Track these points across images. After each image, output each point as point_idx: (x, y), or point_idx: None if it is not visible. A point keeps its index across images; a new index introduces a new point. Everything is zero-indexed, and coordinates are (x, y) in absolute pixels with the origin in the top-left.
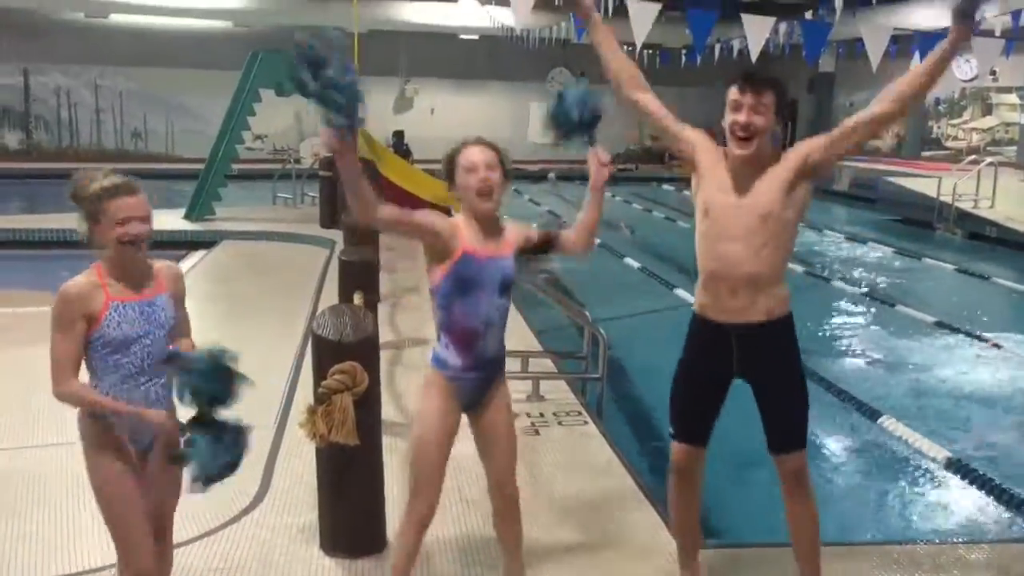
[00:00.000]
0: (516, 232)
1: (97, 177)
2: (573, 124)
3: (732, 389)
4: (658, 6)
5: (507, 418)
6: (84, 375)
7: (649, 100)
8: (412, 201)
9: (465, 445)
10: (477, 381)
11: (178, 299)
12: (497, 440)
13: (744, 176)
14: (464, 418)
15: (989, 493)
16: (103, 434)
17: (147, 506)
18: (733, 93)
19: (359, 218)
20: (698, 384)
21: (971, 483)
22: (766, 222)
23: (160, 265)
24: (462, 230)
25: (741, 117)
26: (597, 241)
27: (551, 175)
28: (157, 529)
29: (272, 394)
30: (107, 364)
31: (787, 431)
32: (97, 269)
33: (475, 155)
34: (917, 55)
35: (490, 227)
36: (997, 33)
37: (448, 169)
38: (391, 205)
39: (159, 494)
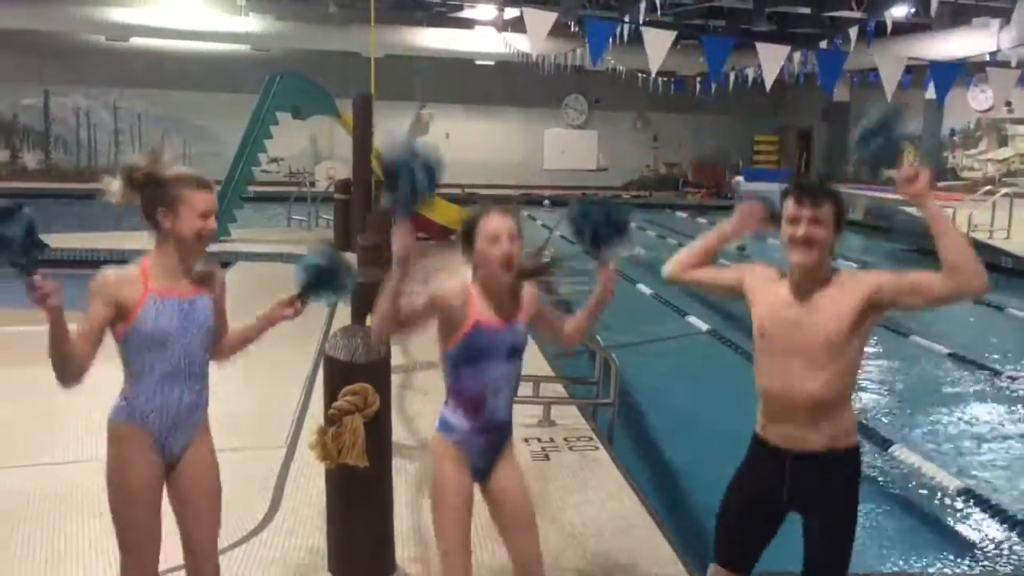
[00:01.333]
0: (531, 300)
1: (160, 162)
2: (594, 238)
3: None
4: (673, 34)
5: (520, 484)
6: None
7: (696, 274)
8: (426, 225)
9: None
10: (484, 445)
11: (219, 301)
12: (512, 510)
13: (804, 292)
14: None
15: (1003, 523)
16: (130, 433)
17: (180, 519)
18: (790, 206)
19: (377, 334)
20: (748, 508)
21: (984, 514)
22: (830, 346)
23: (206, 267)
24: (474, 298)
25: (800, 231)
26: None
27: (545, 201)
28: (193, 552)
29: (283, 415)
30: (143, 364)
31: (826, 570)
32: (142, 264)
33: (498, 224)
34: (932, 86)
35: (505, 294)
36: (1013, 64)
37: (467, 234)
38: (396, 319)
39: (193, 507)
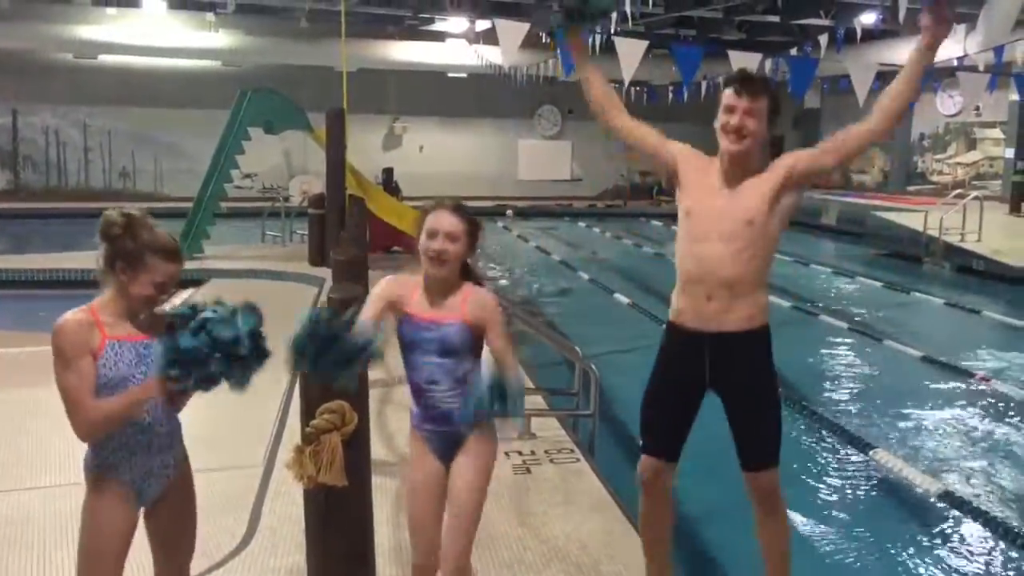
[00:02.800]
0: (476, 305)
1: (140, 223)
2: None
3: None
4: (645, 43)
5: (465, 479)
6: None
7: (630, 124)
8: (399, 237)
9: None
10: (436, 434)
11: None
12: (451, 501)
13: (730, 180)
14: None
15: (984, 525)
16: (107, 486)
17: (157, 566)
18: (728, 96)
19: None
20: (670, 395)
21: (965, 515)
22: (749, 227)
23: (153, 313)
24: (416, 291)
25: (734, 119)
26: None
27: (508, 212)
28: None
29: (260, 434)
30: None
31: (760, 448)
32: (91, 309)
33: (441, 221)
34: None
35: (441, 290)
36: (980, 68)
37: (419, 223)
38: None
39: (170, 552)
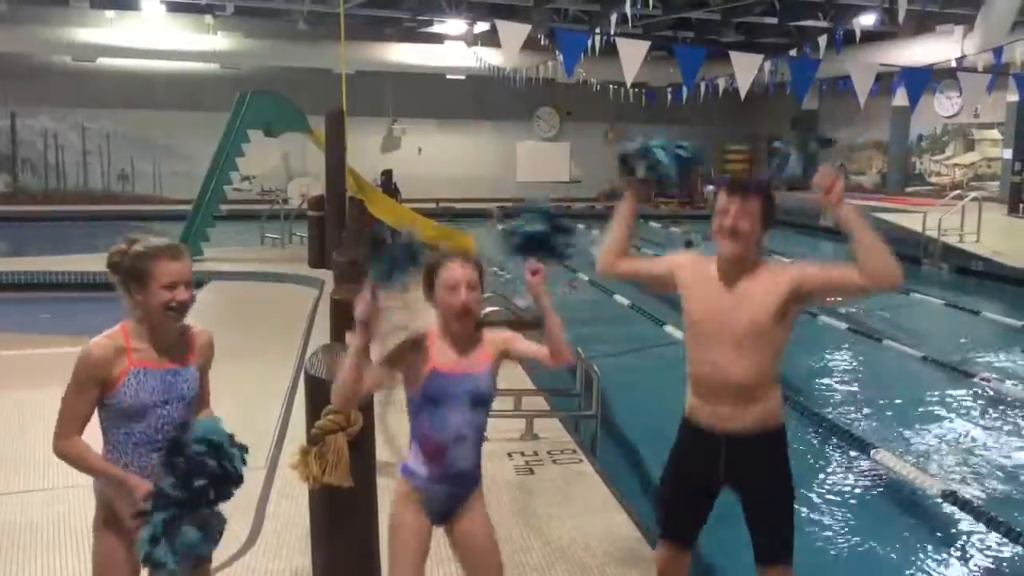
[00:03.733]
0: (494, 345)
1: (138, 240)
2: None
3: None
4: (647, 44)
5: (485, 530)
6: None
7: (628, 266)
8: None
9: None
10: (445, 494)
11: (204, 368)
12: (475, 553)
13: (732, 282)
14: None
15: (985, 525)
16: (107, 508)
17: None
18: (721, 198)
19: (339, 404)
20: (686, 489)
21: (967, 515)
22: (757, 333)
23: (196, 332)
24: (434, 343)
25: (727, 221)
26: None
27: (496, 210)
28: None
29: (263, 435)
30: (119, 431)
31: (774, 546)
32: (124, 330)
33: (457, 274)
34: (899, 92)
35: (465, 341)
36: (979, 69)
37: (428, 279)
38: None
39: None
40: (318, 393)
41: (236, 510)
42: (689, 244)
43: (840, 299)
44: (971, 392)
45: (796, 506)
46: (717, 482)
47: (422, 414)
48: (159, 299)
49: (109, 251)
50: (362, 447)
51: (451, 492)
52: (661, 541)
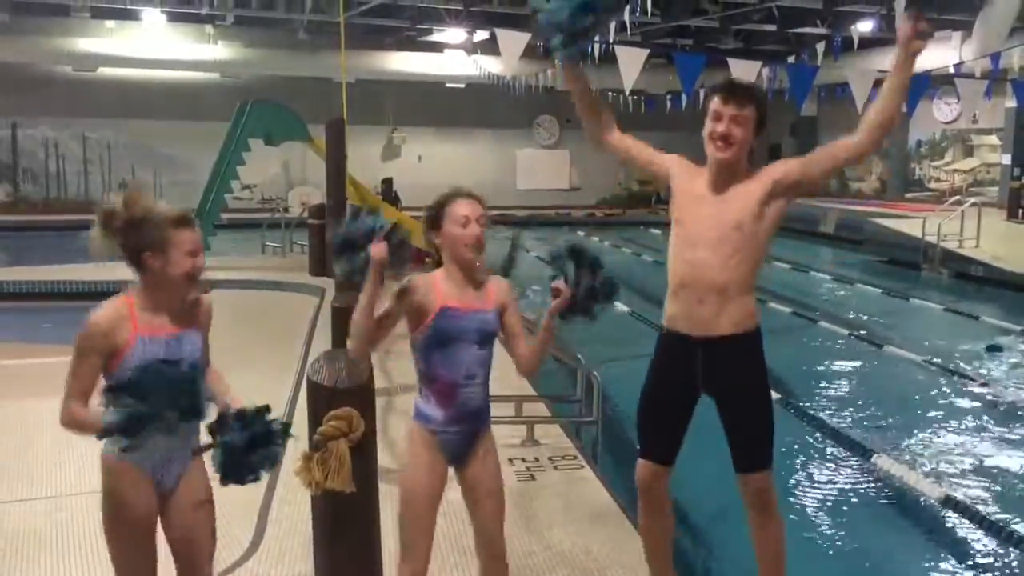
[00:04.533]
0: (500, 290)
1: (136, 202)
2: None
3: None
4: (645, 52)
5: (493, 471)
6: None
7: (622, 139)
8: None
9: (458, 493)
10: (460, 434)
11: (205, 331)
12: (482, 496)
13: (719, 186)
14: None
15: (986, 530)
16: (123, 469)
17: (173, 548)
18: (715, 103)
19: (357, 349)
20: (664, 400)
21: (967, 520)
22: (737, 232)
23: (192, 299)
24: (439, 284)
25: (720, 127)
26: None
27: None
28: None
29: None
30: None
31: (751, 450)
32: (128, 300)
33: (467, 208)
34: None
35: (472, 279)
36: (977, 75)
37: (434, 217)
38: (373, 330)
39: (187, 535)
40: (320, 399)
41: (238, 516)
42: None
43: (822, 174)
44: (971, 397)
45: (791, 503)
46: (695, 388)
47: (432, 355)
48: (182, 267)
49: (101, 209)
50: (364, 452)
51: (466, 430)
52: (642, 461)
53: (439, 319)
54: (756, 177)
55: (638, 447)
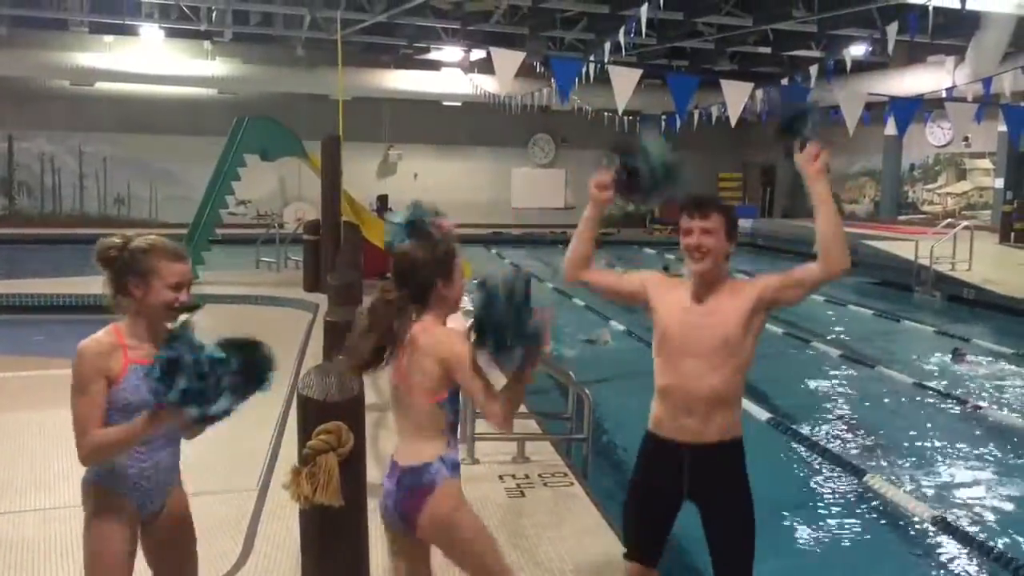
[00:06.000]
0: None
1: (134, 237)
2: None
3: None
4: (639, 72)
5: None
6: None
7: (595, 275)
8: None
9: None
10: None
11: None
12: None
13: (703, 298)
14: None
15: (978, 552)
16: (109, 499)
17: (155, 568)
18: (683, 219)
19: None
20: (649, 503)
21: (958, 542)
22: (725, 345)
23: (177, 324)
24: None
25: (692, 240)
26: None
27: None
28: None
29: (255, 458)
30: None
31: (734, 562)
32: (115, 330)
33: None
34: (891, 121)
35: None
36: (969, 99)
37: (446, 265)
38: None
39: (173, 559)
40: (310, 413)
41: (226, 531)
42: (666, 268)
43: (796, 298)
44: (963, 419)
45: (783, 524)
46: (680, 493)
47: (452, 402)
48: (163, 298)
49: (99, 244)
50: (353, 467)
51: None
52: (629, 563)
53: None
54: (740, 292)
55: (624, 548)
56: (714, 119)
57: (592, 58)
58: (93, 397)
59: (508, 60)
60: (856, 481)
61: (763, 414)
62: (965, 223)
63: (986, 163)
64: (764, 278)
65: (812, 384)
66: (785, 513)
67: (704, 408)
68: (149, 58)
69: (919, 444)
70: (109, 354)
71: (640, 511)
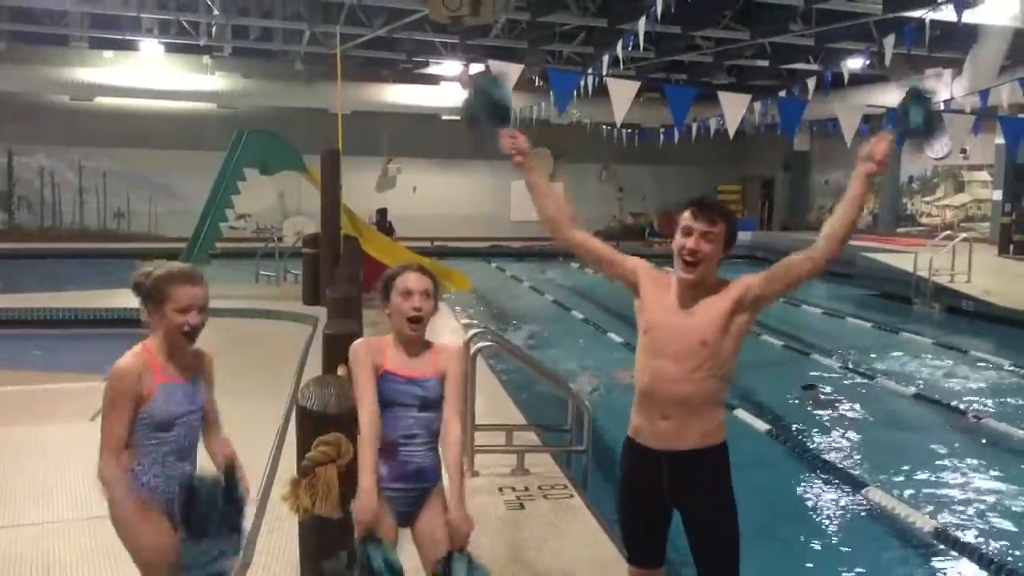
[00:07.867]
0: (446, 357)
1: (163, 264)
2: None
3: None
4: (637, 85)
5: (438, 530)
6: None
7: (586, 238)
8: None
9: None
10: (404, 494)
11: (209, 383)
12: (435, 543)
13: (687, 299)
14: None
15: (978, 563)
16: (140, 508)
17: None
18: (686, 218)
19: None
20: (637, 508)
21: (959, 554)
22: (702, 348)
23: (201, 350)
24: (388, 350)
25: (690, 243)
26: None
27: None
28: None
29: (254, 470)
30: (149, 442)
31: (717, 571)
32: (146, 349)
33: (412, 282)
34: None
35: (415, 348)
36: (967, 111)
37: (385, 288)
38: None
39: None
40: (309, 425)
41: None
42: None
43: (781, 291)
44: (962, 430)
45: (783, 536)
46: (664, 500)
47: (381, 414)
48: (173, 321)
49: (131, 275)
50: (352, 478)
51: (409, 489)
52: (631, 567)
53: (381, 382)
54: (723, 292)
55: (625, 552)
56: (712, 131)
57: (590, 71)
58: (123, 418)
59: (506, 73)
60: (856, 493)
61: (762, 425)
62: (964, 235)
63: (984, 175)
64: (748, 277)
65: (810, 395)
66: (784, 525)
67: (681, 413)
68: (149, 73)
69: (919, 455)
70: (140, 375)
71: (629, 517)
